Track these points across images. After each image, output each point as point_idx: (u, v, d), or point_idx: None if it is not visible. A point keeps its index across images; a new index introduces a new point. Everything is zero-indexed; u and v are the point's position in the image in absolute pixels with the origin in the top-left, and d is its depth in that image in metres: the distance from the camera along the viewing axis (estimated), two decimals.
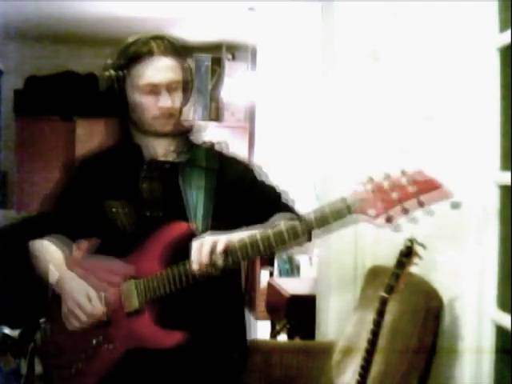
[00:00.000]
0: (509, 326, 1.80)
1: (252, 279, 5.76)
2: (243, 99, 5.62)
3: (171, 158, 1.70)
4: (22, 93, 5.50)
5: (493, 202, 1.91)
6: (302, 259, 5.31)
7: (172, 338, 1.55)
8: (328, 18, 2.95)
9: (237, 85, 5.38)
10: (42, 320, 1.74)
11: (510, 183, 1.82)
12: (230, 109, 5.82)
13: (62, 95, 5.37)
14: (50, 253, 1.65)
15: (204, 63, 5.77)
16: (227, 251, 1.48)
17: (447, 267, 2.12)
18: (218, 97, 5.77)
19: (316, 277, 3.24)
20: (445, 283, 2.12)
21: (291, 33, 5.10)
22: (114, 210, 1.64)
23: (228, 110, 5.84)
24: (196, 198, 1.65)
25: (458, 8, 2.06)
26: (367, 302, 2.41)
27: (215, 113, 5.85)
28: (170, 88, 1.61)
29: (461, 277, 2.02)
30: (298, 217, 1.48)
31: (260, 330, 4.32)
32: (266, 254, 1.50)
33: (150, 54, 1.60)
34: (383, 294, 1.91)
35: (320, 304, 2.98)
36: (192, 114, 1.69)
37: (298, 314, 3.36)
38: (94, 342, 1.61)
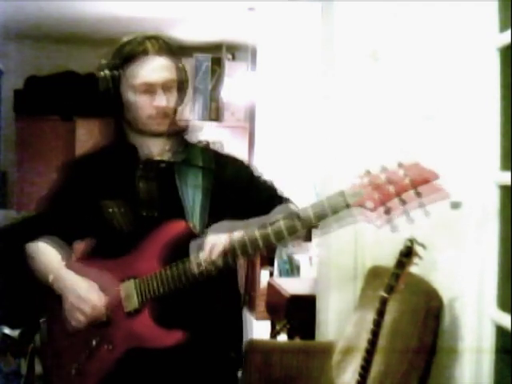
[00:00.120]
0: (509, 326, 1.80)
1: (252, 279, 5.75)
2: (243, 99, 5.61)
3: (167, 157, 1.70)
4: (22, 93, 5.49)
5: (493, 202, 1.91)
6: (301, 259, 5.31)
7: (172, 336, 1.55)
8: (328, 18, 2.95)
9: (237, 85, 5.38)
10: (42, 320, 1.74)
11: (510, 183, 1.82)
12: (230, 109, 5.82)
13: (62, 95, 5.37)
14: (48, 253, 1.65)
15: (204, 63, 5.76)
16: (226, 250, 1.49)
17: (447, 267, 2.12)
18: (217, 97, 5.77)
19: (316, 277, 3.24)
20: (445, 283, 2.12)
21: (291, 33, 5.10)
22: (110, 210, 1.64)
23: (228, 110, 5.84)
24: (193, 196, 1.65)
25: (457, 8, 2.06)
26: (367, 302, 2.41)
27: (215, 113, 5.85)
28: (165, 87, 1.62)
29: (461, 277, 2.02)
30: (297, 210, 1.48)
31: (260, 329, 4.32)
32: (265, 251, 1.50)
33: (145, 53, 1.60)
34: (383, 293, 1.91)
35: (320, 304, 2.97)
36: (187, 113, 1.69)
37: (298, 314, 3.35)
38: (94, 342, 1.61)
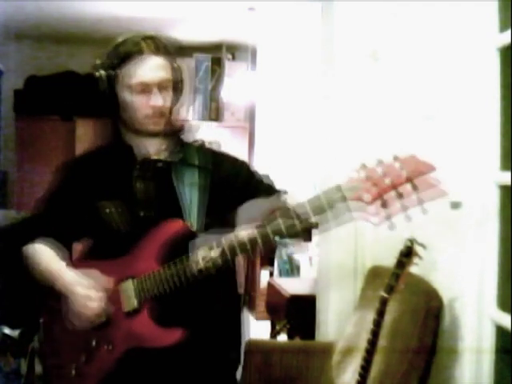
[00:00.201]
0: (509, 326, 1.80)
1: (252, 279, 5.76)
2: (243, 99, 5.62)
3: (163, 157, 1.70)
4: (22, 93, 5.49)
5: (493, 202, 1.91)
6: (301, 259, 5.31)
7: (171, 336, 1.55)
8: (328, 18, 2.95)
9: (237, 85, 5.38)
10: (41, 320, 1.74)
11: (510, 183, 1.82)
12: (230, 109, 5.82)
13: (62, 95, 5.37)
14: (46, 254, 1.65)
15: (204, 63, 5.77)
16: (224, 248, 1.49)
17: (447, 267, 2.12)
18: (218, 97, 5.77)
19: (316, 277, 3.24)
20: (445, 283, 2.12)
21: (291, 33, 5.10)
22: (107, 210, 1.64)
23: (228, 110, 5.84)
24: (190, 195, 1.65)
25: (457, 8, 2.06)
26: (367, 302, 2.41)
27: (215, 113, 5.85)
28: (160, 87, 1.62)
29: (461, 277, 2.02)
30: (293, 204, 1.47)
31: (260, 329, 4.32)
32: (264, 249, 1.50)
33: (140, 53, 1.60)
34: (383, 293, 1.91)
35: (320, 304, 2.98)
36: (184, 113, 1.68)
37: (298, 314, 3.35)
38: (93, 343, 1.61)
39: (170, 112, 1.68)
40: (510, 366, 1.85)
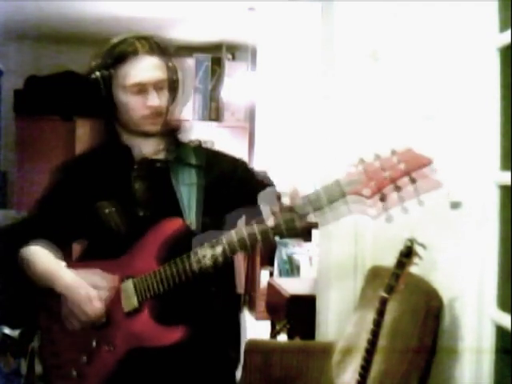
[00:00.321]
0: (509, 325, 1.80)
1: (252, 279, 5.76)
2: (243, 99, 5.62)
3: (162, 156, 1.71)
4: (22, 93, 5.50)
5: (493, 202, 1.91)
6: (301, 259, 5.31)
7: (173, 334, 1.55)
8: (328, 18, 2.95)
9: (237, 85, 5.38)
10: (40, 321, 1.73)
11: (510, 183, 1.82)
12: (230, 109, 5.83)
13: (62, 95, 5.37)
14: (43, 256, 1.64)
15: (204, 63, 5.77)
16: (225, 246, 1.49)
17: (447, 267, 2.12)
18: (218, 97, 5.77)
19: (316, 277, 3.24)
20: (445, 283, 2.12)
21: (291, 33, 5.10)
22: (106, 210, 1.64)
23: (228, 110, 5.84)
24: (188, 194, 1.66)
25: (457, 8, 2.06)
26: (367, 302, 2.41)
27: (215, 113, 5.86)
28: (156, 87, 1.62)
29: (461, 277, 2.02)
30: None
31: (260, 329, 4.32)
32: (264, 245, 1.50)
33: (135, 53, 1.60)
34: (383, 293, 1.91)
35: (320, 304, 2.98)
36: (181, 112, 1.68)
37: (298, 314, 3.35)
38: (94, 344, 1.61)
39: (167, 112, 1.68)
40: (510, 366, 1.85)
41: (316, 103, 3.24)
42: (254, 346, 2.56)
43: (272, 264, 5.63)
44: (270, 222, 1.45)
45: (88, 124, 5.15)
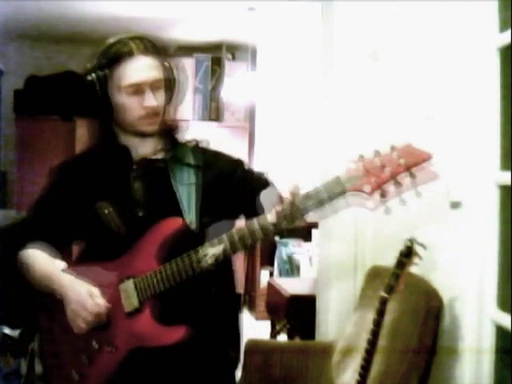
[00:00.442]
0: (509, 325, 1.80)
1: (252, 279, 5.76)
2: (243, 99, 5.62)
3: (160, 156, 1.71)
4: (22, 93, 5.50)
5: (493, 202, 1.91)
6: (301, 259, 5.31)
7: (174, 334, 1.55)
8: (328, 18, 2.95)
9: (237, 85, 5.38)
10: (40, 322, 1.73)
11: (510, 183, 1.82)
12: (230, 109, 5.83)
13: (62, 95, 5.37)
14: (41, 258, 1.63)
15: (204, 63, 5.77)
16: (226, 244, 1.50)
17: (447, 267, 2.12)
18: (218, 97, 5.78)
19: (316, 277, 3.24)
20: (445, 283, 2.12)
21: (291, 33, 5.10)
22: (106, 211, 1.64)
23: (228, 110, 5.84)
24: (188, 194, 1.66)
25: (457, 8, 2.06)
26: (367, 302, 2.41)
27: (215, 113, 5.86)
28: (153, 87, 1.61)
29: (461, 277, 2.02)
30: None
31: (260, 329, 4.32)
32: (264, 241, 1.51)
33: (131, 54, 1.60)
34: (383, 294, 1.91)
35: (320, 304, 2.98)
36: (178, 112, 1.68)
37: (298, 314, 3.36)
38: (95, 345, 1.61)
39: (164, 111, 1.68)
40: (510, 366, 1.85)
41: (316, 103, 3.24)
42: (254, 346, 2.56)
43: (272, 264, 5.64)
44: (272, 219, 1.45)
45: (88, 124, 5.18)
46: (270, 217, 1.45)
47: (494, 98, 1.90)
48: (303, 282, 4.51)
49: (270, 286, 3.90)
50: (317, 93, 3.21)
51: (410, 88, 2.47)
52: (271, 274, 5.57)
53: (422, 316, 2.08)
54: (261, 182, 1.69)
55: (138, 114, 1.62)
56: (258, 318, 5.35)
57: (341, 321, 2.70)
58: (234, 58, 5.93)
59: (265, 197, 1.49)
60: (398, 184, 1.39)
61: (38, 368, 2.49)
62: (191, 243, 1.54)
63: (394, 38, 2.62)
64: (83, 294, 1.54)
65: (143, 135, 1.67)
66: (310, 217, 1.49)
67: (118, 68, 1.60)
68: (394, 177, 1.39)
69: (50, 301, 1.63)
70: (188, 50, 5.70)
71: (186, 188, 1.67)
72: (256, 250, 5.59)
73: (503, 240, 1.89)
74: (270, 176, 1.76)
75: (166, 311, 1.58)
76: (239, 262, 5.56)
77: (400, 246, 1.89)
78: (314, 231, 5.13)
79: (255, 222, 1.48)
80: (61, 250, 1.67)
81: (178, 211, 1.63)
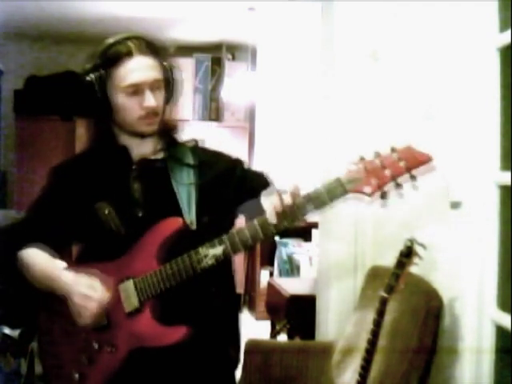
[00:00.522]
0: (509, 325, 1.80)
1: (252, 279, 5.76)
2: (243, 99, 5.62)
3: (160, 156, 1.71)
4: (22, 93, 5.50)
5: (493, 202, 1.91)
6: (301, 259, 5.31)
7: (175, 334, 1.55)
8: (328, 18, 2.95)
9: (237, 85, 5.38)
10: (39, 322, 1.73)
11: (510, 183, 1.82)
12: (230, 109, 5.83)
13: (62, 95, 5.37)
14: (41, 257, 1.63)
15: (204, 63, 5.77)
16: (227, 245, 1.49)
17: (447, 267, 2.12)
18: (218, 97, 5.78)
19: (316, 277, 3.24)
20: (445, 283, 2.12)
21: (291, 33, 5.10)
22: (106, 211, 1.63)
23: (228, 110, 5.84)
24: (188, 194, 1.65)
25: (457, 8, 2.06)
26: (367, 302, 2.41)
27: (215, 113, 5.86)
28: (152, 87, 1.61)
29: (461, 277, 2.02)
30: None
31: (260, 329, 4.32)
32: (264, 241, 1.51)
33: (129, 54, 1.59)
34: (383, 293, 1.91)
35: (320, 304, 2.98)
36: (177, 112, 1.67)
37: (298, 313, 3.36)
38: (96, 345, 1.61)
39: (163, 111, 1.67)
40: (510, 366, 1.85)
41: (316, 103, 3.24)
42: (254, 346, 2.56)
43: (272, 264, 5.64)
44: (272, 219, 1.45)
45: (87, 124, 5.18)
46: (271, 217, 1.45)
47: (494, 98, 1.90)
48: (303, 282, 4.51)
49: (270, 286, 3.90)
50: (317, 93, 3.21)
51: (410, 88, 2.47)
52: (271, 274, 5.57)
53: (422, 316, 2.08)
54: (260, 182, 1.69)
55: (138, 115, 1.62)
56: (257, 318, 5.35)
57: (341, 321, 2.70)
58: (233, 58, 5.93)
59: (265, 197, 1.49)
60: (398, 185, 1.39)
61: (38, 368, 2.49)
62: (191, 243, 1.54)
63: (393, 38, 2.62)
64: (86, 287, 1.54)
65: (142, 135, 1.66)
66: (310, 216, 1.50)
67: (117, 68, 1.59)
68: (394, 178, 1.39)
69: (50, 301, 1.63)
70: (188, 49, 5.70)
71: (186, 188, 1.67)
72: (256, 249, 5.59)
73: (503, 240, 1.89)
74: (270, 176, 1.76)
75: (166, 311, 1.58)
76: (239, 262, 5.56)
77: (400, 246, 1.89)
78: (314, 231, 5.13)
79: (256, 222, 1.48)
80: (60, 250, 1.67)
81: (177, 211, 1.63)
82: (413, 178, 1.39)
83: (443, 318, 2.10)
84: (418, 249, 1.86)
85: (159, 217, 1.60)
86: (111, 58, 1.60)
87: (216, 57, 5.80)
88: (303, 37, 4.90)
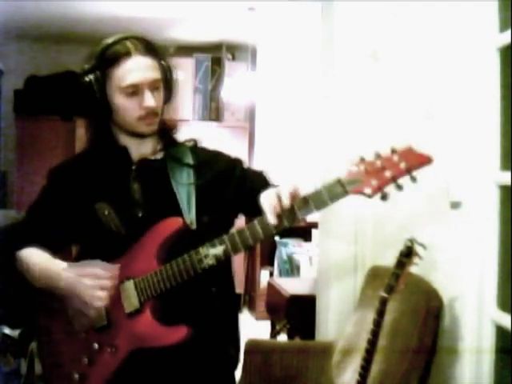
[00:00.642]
0: (509, 325, 1.80)
1: (252, 279, 5.76)
2: (243, 99, 5.62)
3: (159, 157, 1.71)
4: (22, 93, 5.50)
5: (493, 202, 1.91)
6: (301, 259, 5.31)
7: (176, 334, 1.55)
8: (328, 18, 2.96)
9: (237, 85, 5.38)
10: (38, 322, 1.72)
11: (509, 183, 1.82)
12: (230, 109, 5.83)
13: (62, 95, 5.37)
14: (42, 257, 1.63)
15: (204, 63, 5.77)
16: (227, 245, 1.50)
17: (447, 267, 2.12)
18: (218, 97, 5.78)
19: (316, 277, 3.24)
20: (445, 283, 2.12)
21: (291, 33, 5.10)
22: (106, 212, 1.63)
23: (228, 110, 5.84)
24: (187, 194, 1.65)
25: (457, 8, 2.06)
26: (367, 302, 2.41)
27: (215, 113, 5.86)
28: (151, 87, 1.61)
29: (461, 277, 2.02)
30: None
31: (260, 329, 4.32)
32: (265, 240, 1.51)
33: (128, 54, 1.59)
34: (383, 294, 1.91)
35: (320, 304, 2.98)
36: (176, 112, 1.67)
37: (298, 314, 3.36)
38: (96, 346, 1.60)
39: (163, 111, 1.67)
40: (510, 366, 1.85)
41: (316, 103, 3.24)
42: (254, 346, 2.56)
43: (272, 264, 5.64)
44: (272, 220, 1.45)
45: (86, 125, 5.18)
46: (271, 217, 1.45)
47: (494, 98, 1.90)
48: (303, 281, 4.51)
49: (270, 286, 3.90)
50: (317, 93, 3.21)
51: (410, 88, 2.47)
52: (271, 274, 5.57)
53: (422, 316, 2.08)
54: (260, 181, 1.69)
55: (137, 115, 1.61)
56: (258, 318, 5.35)
57: (341, 321, 2.70)
58: (233, 58, 5.93)
59: (265, 197, 1.49)
60: (398, 187, 1.39)
61: (38, 368, 2.49)
62: (191, 243, 1.54)
63: (394, 38, 2.62)
64: (84, 291, 1.54)
65: (142, 136, 1.66)
66: (310, 216, 1.50)
67: (116, 68, 1.59)
68: (394, 179, 1.39)
69: (50, 301, 1.62)
70: (188, 49, 5.70)
71: (186, 188, 1.67)
72: (256, 249, 5.59)
73: (503, 240, 1.89)
74: (270, 176, 1.76)
75: (167, 311, 1.58)
76: (239, 262, 5.56)
77: (400, 246, 1.89)
78: (314, 231, 5.13)
79: (256, 222, 1.48)
80: (60, 251, 1.66)
81: (177, 211, 1.63)
82: (413, 179, 1.39)
83: (443, 318, 2.10)
84: (417, 249, 1.86)
85: (159, 217, 1.60)
86: (110, 58, 1.60)
87: (216, 57, 5.80)
88: (303, 37, 4.90)
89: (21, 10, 4.67)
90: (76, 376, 1.61)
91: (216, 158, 1.77)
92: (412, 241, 1.87)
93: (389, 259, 1.96)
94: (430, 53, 2.29)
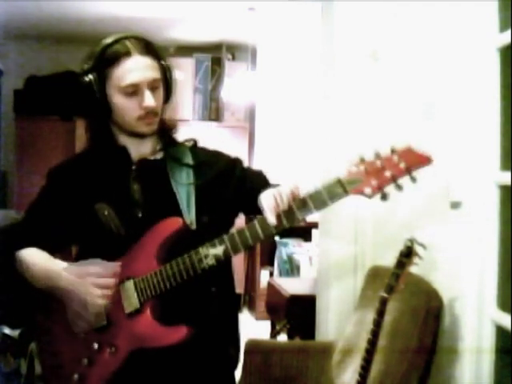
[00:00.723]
0: (509, 325, 1.80)
1: (252, 279, 5.76)
2: (243, 99, 5.62)
3: (159, 157, 1.71)
4: (22, 93, 5.50)
5: (493, 202, 1.91)
6: (301, 259, 5.31)
7: (175, 334, 1.55)
8: (328, 18, 2.96)
9: (237, 85, 5.39)
10: (37, 322, 1.72)
11: (510, 183, 1.82)
12: (230, 109, 5.83)
13: (62, 95, 5.37)
14: (41, 257, 1.63)
15: (204, 63, 5.77)
16: (227, 245, 1.50)
17: (447, 267, 2.12)
18: (218, 97, 5.78)
19: (316, 277, 3.24)
20: (445, 283, 2.12)
21: (291, 33, 5.10)
22: (105, 212, 1.63)
23: (228, 110, 5.84)
24: (187, 194, 1.65)
25: (457, 8, 2.06)
26: (367, 302, 2.41)
27: (215, 113, 5.86)
28: (151, 87, 1.61)
29: (461, 277, 2.02)
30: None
31: (260, 329, 4.32)
32: (265, 240, 1.51)
33: (128, 54, 1.59)
34: (383, 294, 1.91)
35: (320, 304, 2.98)
36: (176, 112, 1.67)
37: (298, 314, 3.36)
38: (96, 346, 1.60)
39: (163, 111, 1.67)
40: (510, 366, 1.85)
41: (316, 103, 3.24)
42: (254, 346, 2.56)
43: (272, 264, 5.64)
44: (272, 220, 1.45)
45: (86, 125, 5.18)
46: (271, 217, 1.45)
47: (494, 98, 1.90)
48: (303, 281, 4.52)
49: (270, 285, 3.90)
50: (317, 93, 3.21)
51: (410, 88, 2.47)
52: (271, 274, 5.57)
53: (422, 316, 2.08)
54: (260, 181, 1.69)
55: (137, 114, 1.61)
56: (257, 318, 5.35)
57: (341, 321, 2.70)
58: (233, 58, 5.93)
59: (265, 197, 1.49)
60: (398, 187, 1.39)
61: (38, 368, 2.49)
62: (191, 243, 1.54)
63: (394, 38, 2.62)
64: (85, 289, 1.54)
65: (142, 135, 1.66)
66: (310, 216, 1.50)
67: (116, 69, 1.59)
68: (394, 179, 1.39)
69: (50, 301, 1.62)
70: (188, 49, 5.71)
71: (186, 188, 1.67)
72: (256, 249, 5.59)
73: (503, 240, 1.89)
74: (270, 176, 1.76)
75: (167, 311, 1.58)
76: (239, 262, 5.56)
77: (400, 246, 1.89)
78: (314, 231, 5.14)
79: (256, 222, 1.48)
80: (60, 251, 1.66)
81: (177, 211, 1.62)
82: (413, 179, 1.39)
83: (443, 318, 2.10)
84: (417, 249, 1.86)
85: (159, 217, 1.60)
86: (109, 58, 1.59)
87: (216, 57, 5.80)
88: (303, 37, 4.90)
89: (21, 10, 4.67)
90: (76, 376, 1.61)
91: (216, 157, 1.77)
92: (412, 241, 1.87)
93: (389, 259, 1.96)
94: (430, 53, 2.29)
